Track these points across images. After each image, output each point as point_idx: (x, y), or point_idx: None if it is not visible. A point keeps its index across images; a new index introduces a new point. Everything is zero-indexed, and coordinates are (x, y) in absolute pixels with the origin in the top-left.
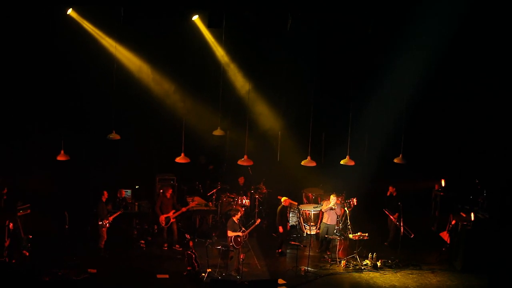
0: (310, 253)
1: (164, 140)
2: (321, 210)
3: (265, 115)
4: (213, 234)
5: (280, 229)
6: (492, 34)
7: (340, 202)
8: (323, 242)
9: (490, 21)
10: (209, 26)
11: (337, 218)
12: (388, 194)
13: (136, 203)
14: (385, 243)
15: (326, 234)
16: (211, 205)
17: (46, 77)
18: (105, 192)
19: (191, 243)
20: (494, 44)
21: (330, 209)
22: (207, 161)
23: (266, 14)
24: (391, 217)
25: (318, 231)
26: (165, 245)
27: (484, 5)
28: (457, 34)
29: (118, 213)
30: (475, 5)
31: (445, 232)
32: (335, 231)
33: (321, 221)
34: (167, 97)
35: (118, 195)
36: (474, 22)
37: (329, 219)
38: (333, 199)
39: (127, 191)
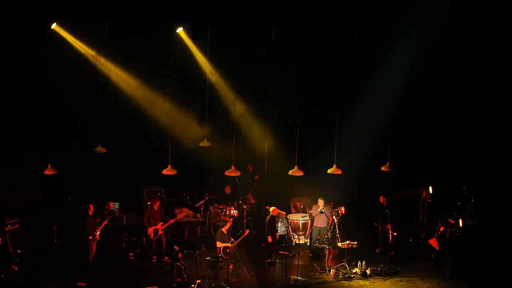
0: (300, 262)
1: (151, 152)
2: (310, 214)
3: (252, 125)
4: (202, 245)
5: (269, 239)
6: (479, 38)
7: (328, 210)
8: (315, 248)
9: (477, 24)
10: (193, 38)
11: (327, 220)
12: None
13: (124, 216)
14: (377, 250)
15: (319, 236)
16: (199, 216)
17: (32, 91)
18: (91, 206)
19: (180, 255)
20: (480, 50)
21: (320, 212)
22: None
23: (250, 25)
24: (385, 228)
25: (306, 240)
26: (154, 257)
27: (470, 7)
28: (442, 40)
29: (105, 223)
30: (460, 8)
31: (433, 239)
32: (325, 239)
33: (311, 226)
34: (154, 109)
35: (106, 207)
36: (460, 25)
37: (320, 222)
38: (321, 202)
39: (114, 204)
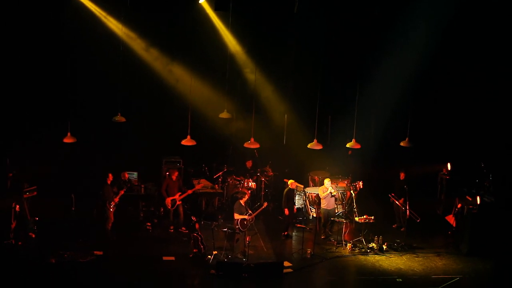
0: (316, 236)
1: (170, 122)
2: (317, 195)
3: (272, 98)
4: (219, 217)
5: (286, 211)
6: (498, 10)
7: (346, 185)
8: (325, 226)
9: None
10: (216, 9)
11: (336, 200)
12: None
13: (142, 186)
14: (394, 226)
15: (329, 218)
16: (217, 187)
17: (53, 60)
18: (110, 175)
19: (197, 226)
20: (500, 20)
21: (331, 195)
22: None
23: None
24: (397, 202)
25: (320, 215)
26: (171, 227)
27: None
28: (463, 12)
29: (122, 192)
30: None
31: (451, 216)
32: (336, 214)
33: (319, 208)
34: (174, 79)
35: (122, 177)
36: None
37: (327, 204)
38: (327, 183)
39: (132, 174)
